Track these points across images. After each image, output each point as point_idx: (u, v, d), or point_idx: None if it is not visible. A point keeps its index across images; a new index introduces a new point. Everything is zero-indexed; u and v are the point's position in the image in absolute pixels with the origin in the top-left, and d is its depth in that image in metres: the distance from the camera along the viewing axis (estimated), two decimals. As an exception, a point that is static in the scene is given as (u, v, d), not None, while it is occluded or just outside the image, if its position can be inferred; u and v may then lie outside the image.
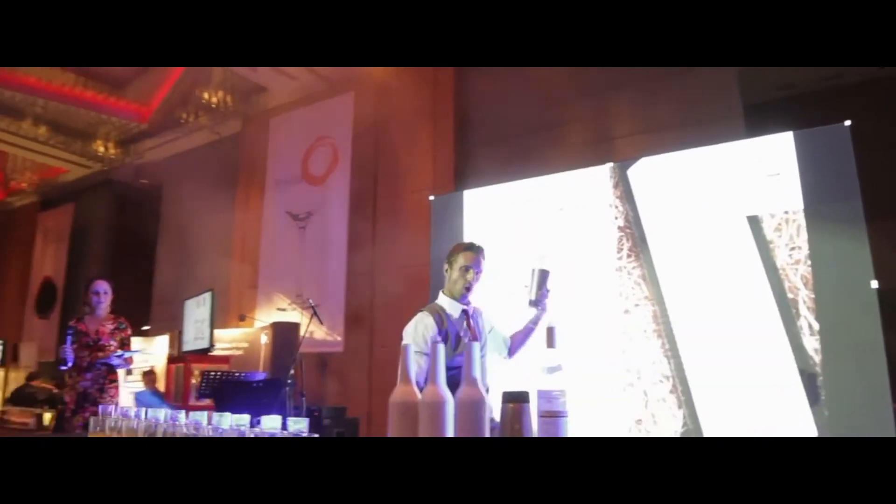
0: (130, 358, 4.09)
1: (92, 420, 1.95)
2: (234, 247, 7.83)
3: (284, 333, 6.06)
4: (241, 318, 6.24)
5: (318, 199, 6.82)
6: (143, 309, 9.07)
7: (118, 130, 8.89)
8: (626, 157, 4.24)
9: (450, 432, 1.27)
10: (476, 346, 1.32)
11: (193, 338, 5.21)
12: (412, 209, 6.03)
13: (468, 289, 2.57)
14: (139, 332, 8.18)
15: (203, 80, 7.57)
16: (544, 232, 4.41)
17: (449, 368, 2.13)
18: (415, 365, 1.42)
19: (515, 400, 1.26)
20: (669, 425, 3.66)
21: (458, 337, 2.54)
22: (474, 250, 2.61)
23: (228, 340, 6.67)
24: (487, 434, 1.28)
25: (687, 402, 3.64)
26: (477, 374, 1.30)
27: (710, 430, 3.55)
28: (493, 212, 4.74)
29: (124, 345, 4.05)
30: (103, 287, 4.07)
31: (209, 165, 8.64)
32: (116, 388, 4.05)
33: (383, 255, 6.21)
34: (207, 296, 4.92)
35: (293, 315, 6.50)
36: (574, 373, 4.05)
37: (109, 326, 4.04)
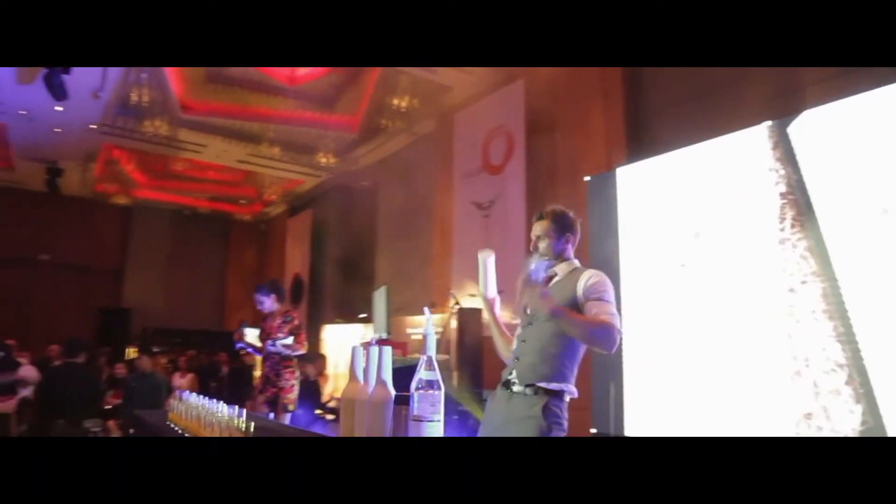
0: (296, 344, 4.69)
1: (171, 401, 2.37)
2: (434, 238, 8.34)
3: (469, 319, 6.36)
4: (432, 306, 6.66)
5: (498, 188, 6.98)
6: (368, 299, 10.09)
7: (335, 142, 9.93)
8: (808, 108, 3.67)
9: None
10: (388, 350, 1.38)
11: (379, 326, 5.73)
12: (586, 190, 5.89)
13: (533, 252, 2.60)
14: (359, 320, 9.15)
15: (392, 88, 8.13)
16: (698, 205, 4.06)
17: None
18: (360, 364, 1.52)
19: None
20: (845, 422, 3.17)
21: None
22: (539, 217, 2.63)
23: (423, 326, 7.19)
24: (389, 432, 1.34)
25: (867, 395, 3.11)
26: (387, 376, 1.36)
27: None
28: (647, 187, 4.47)
29: (293, 333, 4.67)
30: (257, 298, 4.77)
31: (412, 164, 9.29)
32: (291, 371, 4.69)
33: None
34: (384, 289, 5.38)
35: (479, 302, 6.76)
36: (734, 360, 3.70)
37: (278, 321, 4.71)
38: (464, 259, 7.33)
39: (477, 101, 7.60)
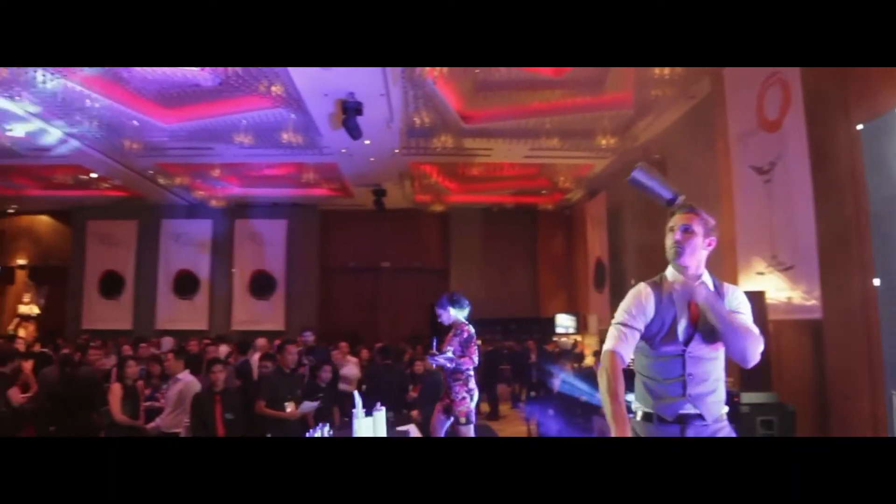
0: (463, 357, 4.62)
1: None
2: (721, 208, 7.56)
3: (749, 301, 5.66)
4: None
5: (777, 148, 6.03)
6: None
7: (612, 122, 9.66)
8: None
9: None
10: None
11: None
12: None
13: (679, 253, 2.31)
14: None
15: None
16: None
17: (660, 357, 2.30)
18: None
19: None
20: None
21: (673, 320, 2.29)
22: (681, 209, 2.41)
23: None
24: None
25: None
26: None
27: None
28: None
29: (463, 346, 4.63)
30: (436, 311, 4.82)
31: (692, 132, 8.59)
32: (461, 385, 4.61)
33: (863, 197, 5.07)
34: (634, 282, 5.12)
35: (768, 280, 5.99)
36: None
37: (450, 333, 4.73)
38: (746, 233, 6.53)
39: (746, 50, 6.65)
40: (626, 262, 11.02)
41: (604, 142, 9.99)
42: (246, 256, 14.04)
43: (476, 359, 4.72)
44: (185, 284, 13.73)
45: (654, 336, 2.31)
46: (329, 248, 14.84)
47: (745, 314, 2.33)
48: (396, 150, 10.63)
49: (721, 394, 2.33)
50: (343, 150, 10.54)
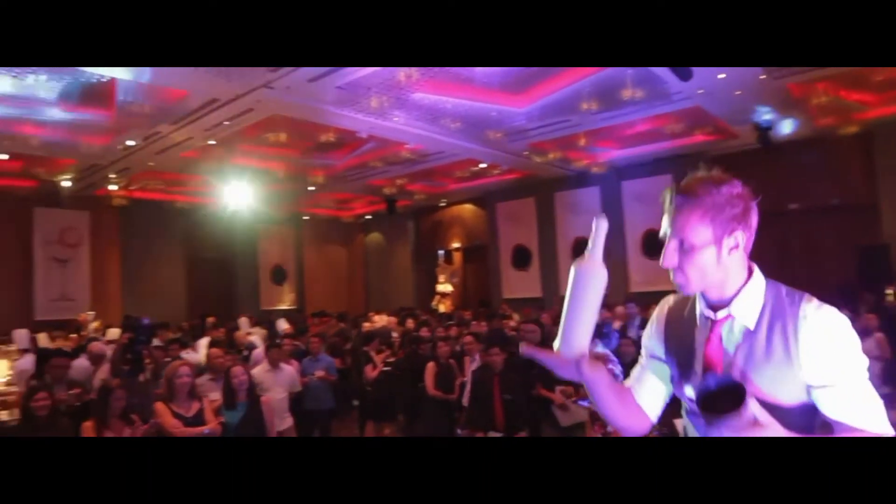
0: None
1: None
2: None
3: None
4: None
5: None
6: None
7: None
8: None
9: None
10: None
11: None
12: None
13: (678, 283, 1.52)
14: None
15: None
16: None
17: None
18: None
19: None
20: None
21: (686, 359, 1.58)
22: (676, 193, 1.57)
23: None
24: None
25: None
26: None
27: None
28: None
29: None
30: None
31: None
32: None
33: None
34: None
35: None
36: None
37: None
38: None
39: None
40: None
41: None
42: (636, 217, 14.02)
43: None
44: (583, 252, 14.45)
45: (672, 377, 1.61)
46: (722, 196, 13.65)
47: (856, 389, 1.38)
48: (762, 76, 9.23)
49: None
50: (700, 91, 9.67)
